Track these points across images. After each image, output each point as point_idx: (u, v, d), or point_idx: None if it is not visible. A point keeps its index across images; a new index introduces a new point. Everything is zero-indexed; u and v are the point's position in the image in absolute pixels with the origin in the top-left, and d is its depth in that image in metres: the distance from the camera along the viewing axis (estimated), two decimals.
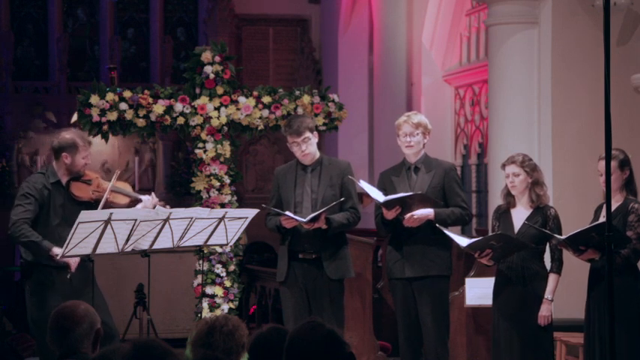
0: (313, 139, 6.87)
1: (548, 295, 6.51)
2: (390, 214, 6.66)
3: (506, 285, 6.57)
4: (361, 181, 6.81)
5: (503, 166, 6.63)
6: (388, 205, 6.62)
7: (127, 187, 7.15)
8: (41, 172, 6.96)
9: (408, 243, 6.76)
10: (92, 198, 6.80)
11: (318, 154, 6.95)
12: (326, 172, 6.89)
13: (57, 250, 6.48)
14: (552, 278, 6.54)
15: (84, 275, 6.74)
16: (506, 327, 6.54)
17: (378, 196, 6.68)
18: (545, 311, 6.51)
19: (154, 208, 6.84)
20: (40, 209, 6.71)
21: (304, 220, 6.65)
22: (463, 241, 6.51)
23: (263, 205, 6.91)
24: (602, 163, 6.32)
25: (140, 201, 6.99)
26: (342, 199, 6.79)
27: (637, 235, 6.26)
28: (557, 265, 6.53)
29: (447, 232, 6.55)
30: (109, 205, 6.83)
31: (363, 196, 7.53)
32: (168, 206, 6.91)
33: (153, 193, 7.17)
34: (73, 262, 6.55)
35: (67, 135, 6.88)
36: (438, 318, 6.75)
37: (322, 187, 6.85)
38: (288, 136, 6.87)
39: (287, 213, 6.74)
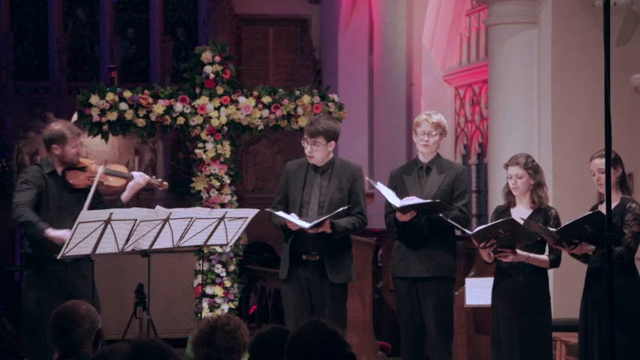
0: (325, 146, 6.84)
1: (529, 255, 6.41)
2: (404, 218, 6.65)
3: (507, 279, 6.52)
4: (379, 183, 6.79)
5: (506, 166, 6.61)
6: (404, 210, 6.63)
7: (119, 168, 7.14)
8: (37, 163, 6.99)
9: (415, 242, 6.75)
10: (88, 184, 6.78)
11: (329, 158, 6.93)
12: (336, 175, 6.87)
13: (52, 232, 6.49)
14: (543, 257, 6.48)
15: (79, 270, 6.75)
16: (506, 326, 6.51)
17: (395, 200, 6.66)
18: (511, 254, 6.38)
19: (147, 183, 7.01)
20: (39, 198, 6.72)
21: (307, 225, 6.63)
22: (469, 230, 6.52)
23: (267, 209, 6.88)
24: (595, 162, 6.38)
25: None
26: (347, 206, 6.76)
27: (632, 233, 6.25)
28: (554, 258, 6.49)
29: (451, 221, 6.56)
30: (104, 189, 6.88)
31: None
32: (165, 183, 7.24)
33: (143, 173, 7.17)
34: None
35: (56, 126, 6.87)
36: (442, 320, 6.74)
37: (331, 189, 6.83)
38: (305, 131, 6.88)
39: (292, 217, 6.72)
